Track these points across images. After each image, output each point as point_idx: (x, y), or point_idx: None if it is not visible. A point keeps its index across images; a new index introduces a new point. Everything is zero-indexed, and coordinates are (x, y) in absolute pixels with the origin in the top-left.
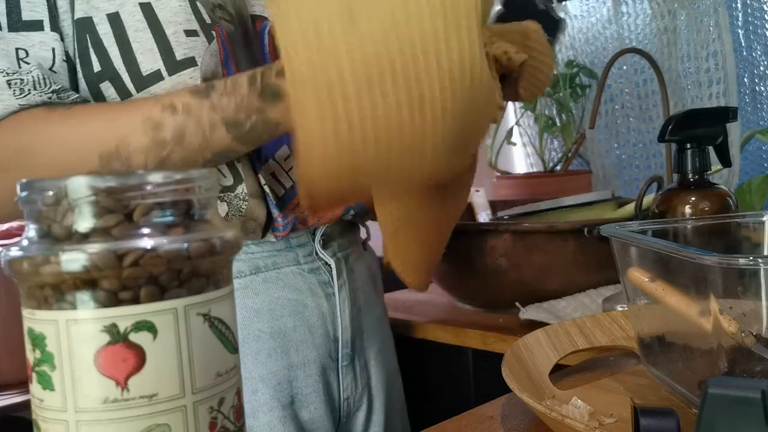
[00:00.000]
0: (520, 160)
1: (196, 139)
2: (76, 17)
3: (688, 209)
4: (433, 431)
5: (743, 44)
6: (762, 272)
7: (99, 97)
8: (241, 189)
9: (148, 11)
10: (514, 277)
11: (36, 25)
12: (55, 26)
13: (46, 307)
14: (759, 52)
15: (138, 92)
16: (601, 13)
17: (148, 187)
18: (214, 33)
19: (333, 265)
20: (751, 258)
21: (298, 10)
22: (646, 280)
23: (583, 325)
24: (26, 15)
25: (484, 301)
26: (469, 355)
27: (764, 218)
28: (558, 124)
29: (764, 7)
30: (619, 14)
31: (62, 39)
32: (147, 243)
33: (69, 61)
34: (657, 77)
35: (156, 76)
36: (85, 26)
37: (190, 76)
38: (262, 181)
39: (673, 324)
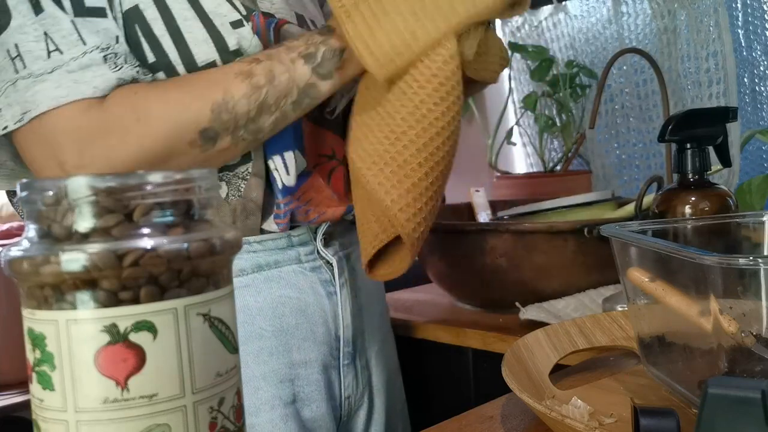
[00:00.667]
0: (520, 160)
1: (284, 76)
2: (123, 9)
3: (688, 209)
4: (433, 431)
5: (743, 44)
6: (762, 272)
7: None
8: (245, 168)
9: (192, 0)
10: (514, 277)
11: (99, 12)
12: (114, 15)
13: (46, 307)
14: (759, 52)
15: None
16: (601, 13)
17: (148, 187)
18: (251, 22)
19: (335, 264)
20: (751, 258)
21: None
22: (646, 280)
23: (583, 325)
24: (89, 2)
25: (484, 301)
26: (469, 355)
27: (764, 218)
28: (558, 124)
29: (764, 7)
30: (619, 14)
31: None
32: (147, 243)
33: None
34: (657, 77)
35: (211, 66)
36: (133, 17)
37: None
38: (272, 166)
39: (673, 324)
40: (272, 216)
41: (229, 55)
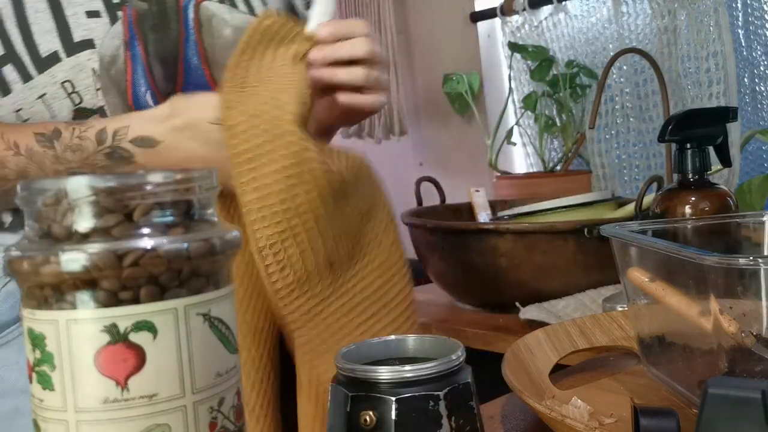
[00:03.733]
0: (520, 160)
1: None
2: None
3: (688, 209)
4: None
5: (743, 44)
6: (762, 272)
7: (2, 81)
8: None
9: None
10: (514, 277)
11: None
12: None
13: (46, 307)
14: (759, 52)
15: (39, 74)
16: (601, 13)
17: (148, 187)
18: (120, 13)
19: None
20: (751, 258)
21: None
22: (646, 280)
23: (583, 325)
24: None
25: (484, 301)
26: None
27: (764, 218)
28: (558, 124)
29: (764, 7)
30: (619, 14)
31: None
32: (147, 243)
33: None
34: (657, 77)
35: (54, 58)
36: None
37: (88, 58)
38: None
39: (673, 324)
40: None
41: (75, 47)
